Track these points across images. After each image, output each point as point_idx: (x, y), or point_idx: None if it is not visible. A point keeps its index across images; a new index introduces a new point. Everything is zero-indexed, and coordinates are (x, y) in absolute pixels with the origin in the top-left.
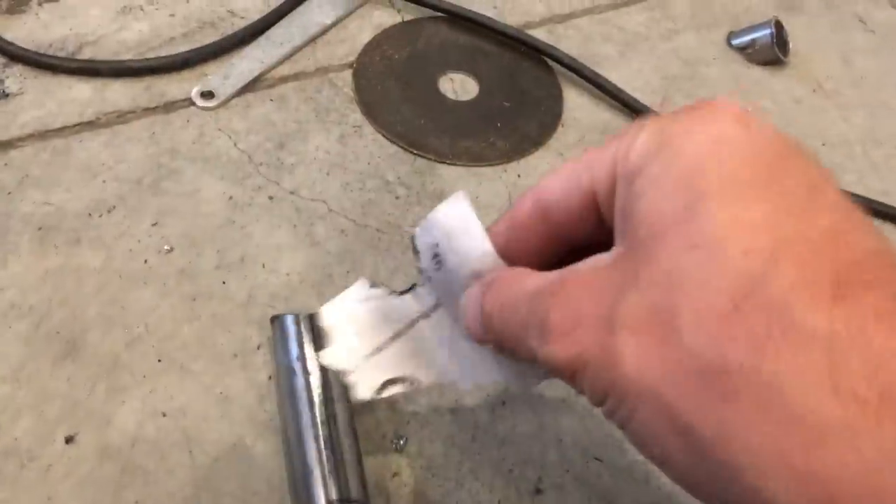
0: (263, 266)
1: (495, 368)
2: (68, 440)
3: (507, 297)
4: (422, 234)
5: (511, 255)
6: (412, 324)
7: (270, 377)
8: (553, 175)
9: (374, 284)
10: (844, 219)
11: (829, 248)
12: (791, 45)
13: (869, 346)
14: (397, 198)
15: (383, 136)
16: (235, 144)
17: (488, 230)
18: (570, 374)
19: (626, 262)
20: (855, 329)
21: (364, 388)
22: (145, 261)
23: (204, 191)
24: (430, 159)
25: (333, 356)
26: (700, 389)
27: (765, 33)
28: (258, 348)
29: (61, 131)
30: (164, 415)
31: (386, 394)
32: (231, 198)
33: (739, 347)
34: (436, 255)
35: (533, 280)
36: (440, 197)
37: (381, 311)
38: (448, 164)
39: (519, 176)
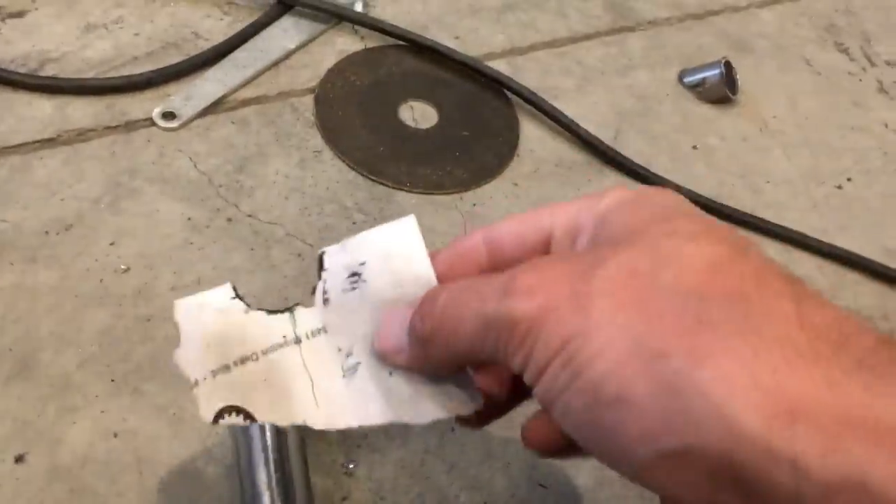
0: None
1: (381, 405)
2: (17, 459)
3: (459, 289)
4: (339, 252)
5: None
6: (273, 349)
7: None
8: (509, 218)
9: (237, 295)
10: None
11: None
12: (740, 85)
13: (830, 311)
14: (354, 223)
15: (343, 161)
16: (195, 166)
17: (430, 256)
18: (526, 327)
19: (603, 247)
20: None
21: (205, 407)
22: (101, 280)
23: (162, 211)
24: (388, 186)
25: (181, 359)
26: (676, 319)
27: (714, 73)
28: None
29: (20, 148)
30: (116, 435)
31: (224, 422)
32: (189, 219)
33: (718, 288)
34: (354, 275)
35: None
36: None
37: (239, 327)
38: (406, 191)
39: (474, 205)
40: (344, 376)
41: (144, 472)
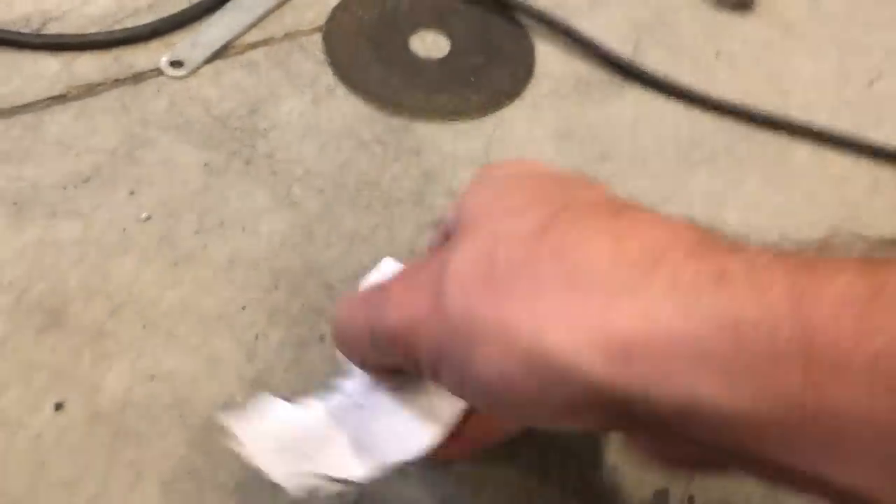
0: (243, 229)
1: (392, 437)
2: (57, 407)
3: (350, 303)
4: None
5: None
6: (329, 424)
7: (257, 336)
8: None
9: (281, 397)
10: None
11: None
12: None
13: (646, 233)
14: (374, 156)
15: (357, 96)
16: (208, 111)
17: None
18: (404, 342)
19: (455, 239)
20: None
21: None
22: (124, 230)
23: (179, 158)
24: (405, 117)
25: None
26: (516, 293)
27: None
28: (243, 309)
29: (31, 106)
30: (153, 378)
31: (309, 488)
32: (206, 164)
33: (545, 250)
34: None
35: None
36: (417, 152)
37: (299, 429)
38: (424, 121)
39: (495, 129)
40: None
41: (185, 412)
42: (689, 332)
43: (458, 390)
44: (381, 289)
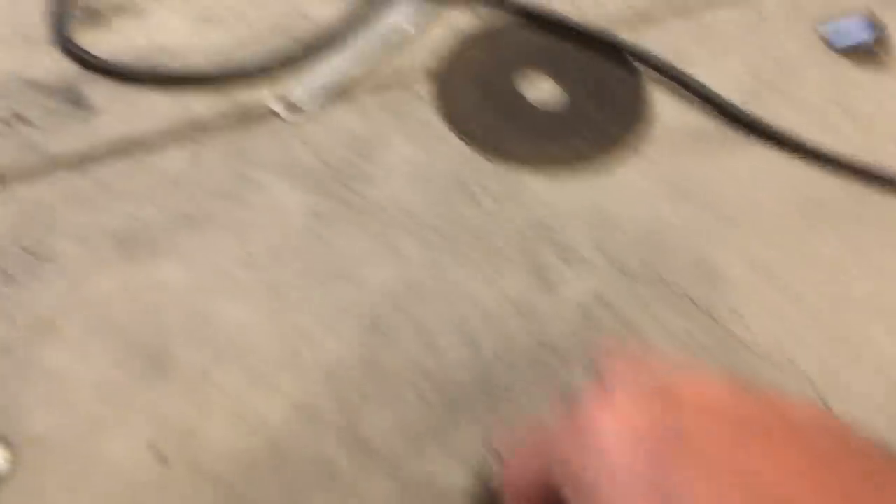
0: (348, 279)
1: None
2: (159, 459)
3: None
4: None
5: None
6: None
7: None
8: None
9: None
10: None
11: None
12: (889, 37)
13: None
14: (480, 206)
15: (466, 143)
16: (317, 156)
17: None
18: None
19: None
20: None
21: None
22: (230, 274)
23: (288, 204)
24: (514, 166)
25: None
26: None
27: (859, 26)
28: (339, 360)
29: (143, 141)
30: (252, 434)
31: None
32: (315, 212)
33: None
34: None
35: None
36: (525, 205)
37: None
38: (531, 170)
39: (606, 181)
40: None
41: (276, 466)
42: None
43: None
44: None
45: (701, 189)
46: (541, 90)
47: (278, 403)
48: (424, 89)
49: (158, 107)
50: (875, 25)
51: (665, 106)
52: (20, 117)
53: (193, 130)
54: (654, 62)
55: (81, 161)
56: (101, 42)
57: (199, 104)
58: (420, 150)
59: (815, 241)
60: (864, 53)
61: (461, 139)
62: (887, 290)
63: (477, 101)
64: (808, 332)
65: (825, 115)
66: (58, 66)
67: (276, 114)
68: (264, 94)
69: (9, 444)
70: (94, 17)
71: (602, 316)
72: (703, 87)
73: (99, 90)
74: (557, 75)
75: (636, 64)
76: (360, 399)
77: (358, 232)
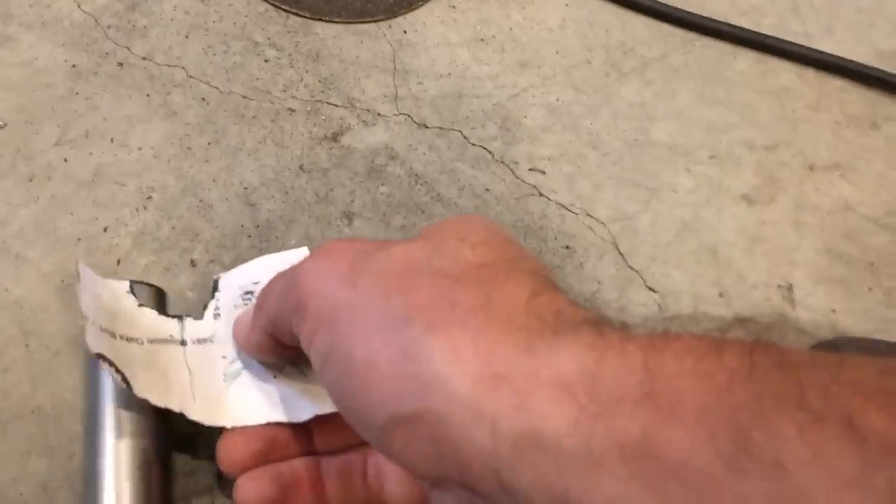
0: (112, 140)
1: (261, 407)
2: None
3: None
4: (234, 276)
5: None
6: (158, 341)
7: (119, 261)
8: None
9: (132, 291)
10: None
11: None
12: None
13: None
14: (267, 61)
15: None
16: (79, 6)
17: None
18: (305, 294)
19: (409, 240)
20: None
21: (91, 342)
22: None
23: (42, 59)
24: (304, 17)
25: (79, 296)
26: (428, 295)
27: None
28: (105, 230)
29: None
30: None
31: (102, 365)
32: (74, 66)
33: (472, 278)
34: (247, 293)
35: None
36: (315, 58)
37: (129, 315)
38: (325, 21)
39: (405, 32)
40: (224, 380)
41: (31, 345)
42: (560, 369)
43: (323, 357)
44: (316, 249)
45: (505, 37)
46: None
47: (27, 277)
48: None
49: None
50: None
51: None
52: None
53: None
54: None
55: None
56: None
57: None
58: (198, 0)
59: (619, 87)
60: None
61: None
62: (687, 133)
63: None
64: (607, 177)
65: None
66: None
67: None
68: None
69: None
70: None
71: (392, 170)
72: None
73: None
74: None
75: None
76: (124, 271)
77: (124, 89)
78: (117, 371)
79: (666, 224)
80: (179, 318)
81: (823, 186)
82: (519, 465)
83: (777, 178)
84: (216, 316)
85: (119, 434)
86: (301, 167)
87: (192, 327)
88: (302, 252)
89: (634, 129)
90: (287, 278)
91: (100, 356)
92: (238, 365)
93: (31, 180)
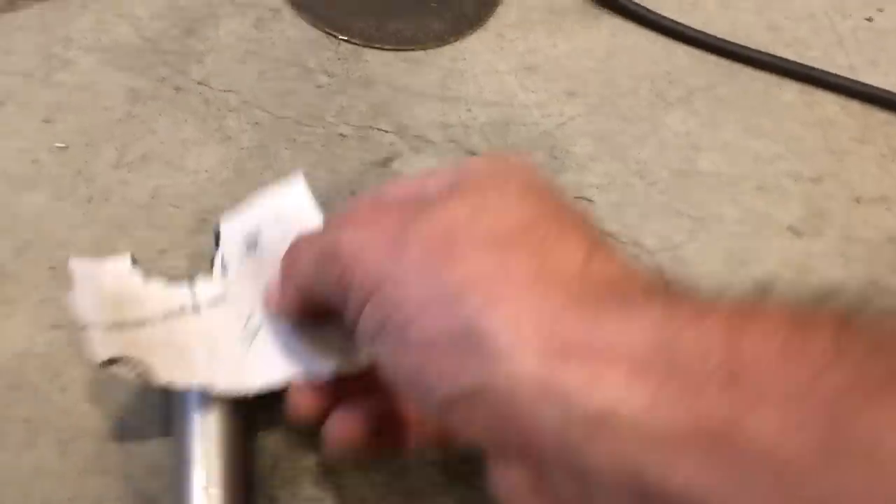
0: (168, 163)
1: (282, 362)
2: None
3: (313, 230)
4: (234, 221)
5: None
6: (171, 316)
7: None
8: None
9: (136, 262)
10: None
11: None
12: None
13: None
14: (319, 86)
15: (303, 19)
16: (137, 31)
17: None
18: (345, 263)
19: (440, 195)
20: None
21: (96, 351)
22: (35, 160)
23: (101, 83)
24: (355, 44)
25: (75, 304)
26: (479, 266)
27: None
28: (162, 252)
29: None
30: (56, 327)
31: (114, 370)
32: (132, 90)
33: (523, 242)
34: (251, 242)
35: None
36: (366, 84)
37: (136, 294)
38: (376, 48)
39: (454, 61)
40: (245, 340)
41: (89, 367)
42: (632, 344)
43: (374, 331)
44: (346, 212)
45: (552, 66)
46: None
47: None
48: None
49: None
50: None
51: None
52: None
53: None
54: None
55: None
56: None
57: None
58: (252, 27)
59: (665, 117)
60: None
61: (300, 15)
62: (733, 164)
63: None
64: (654, 207)
65: None
66: None
67: None
68: None
69: None
70: None
71: None
72: None
73: None
74: None
75: None
76: None
77: (181, 113)
78: (133, 367)
79: (713, 254)
80: (189, 280)
81: (870, 219)
82: (591, 444)
83: (823, 210)
84: (225, 271)
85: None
86: (353, 192)
87: (204, 288)
88: (299, 185)
89: (681, 159)
90: (321, 248)
91: (110, 361)
92: (256, 320)
93: (90, 202)
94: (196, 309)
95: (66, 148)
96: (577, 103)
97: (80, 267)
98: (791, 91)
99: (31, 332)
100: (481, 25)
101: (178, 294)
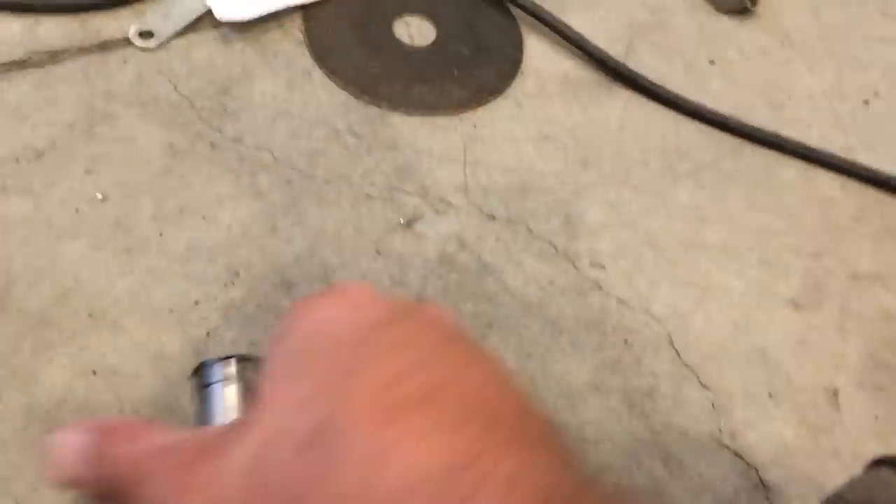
0: (203, 217)
1: None
2: None
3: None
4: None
5: None
6: None
7: (209, 333)
8: None
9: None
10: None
11: None
12: None
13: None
14: (347, 148)
15: (334, 82)
16: (176, 88)
17: None
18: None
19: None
20: None
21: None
22: (77, 210)
23: (141, 137)
24: (382, 108)
25: None
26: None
27: None
28: (196, 304)
29: None
30: (95, 373)
31: None
32: (170, 145)
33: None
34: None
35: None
36: (392, 147)
37: None
38: (401, 112)
39: (475, 126)
40: None
41: (125, 411)
42: None
43: None
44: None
45: (568, 135)
46: (414, 31)
47: (123, 346)
48: (293, 24)
49: (5, 33)
50: None
51: (538, 52)
52: None
53: (42, 59)
54: (529, 7)
55: None
56: None
57: (50, 31)
58: (285, 87)
59: (674, 189)
60: (733, 4)
61: (330, 78)
62: (738, 237)
63: (350, 41)
64: (663, 276)
65: (693, 65)
66: None
67: (130, 43)
68: (121, 24)
69: None
70: None
71: (462, 259)
72: (577, 34)
73: None
74: (431, 16)
75: (512, 8)
76: (213, 344)
77: (215, 168)
78: None
79: (718, 324)
80: None
81: (866, 295)
82: None
83: (822, 285)
84: None
85: None
86: (378, 251)
87: None
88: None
89: (688, 231)
90: None
91: None
92: None
93: (128, 252)
94: None
95: (106, 199)
96: (590, 172)
97: None
98: (792, 168)
99: (69, 377)
100: (501, 94)
101: None
